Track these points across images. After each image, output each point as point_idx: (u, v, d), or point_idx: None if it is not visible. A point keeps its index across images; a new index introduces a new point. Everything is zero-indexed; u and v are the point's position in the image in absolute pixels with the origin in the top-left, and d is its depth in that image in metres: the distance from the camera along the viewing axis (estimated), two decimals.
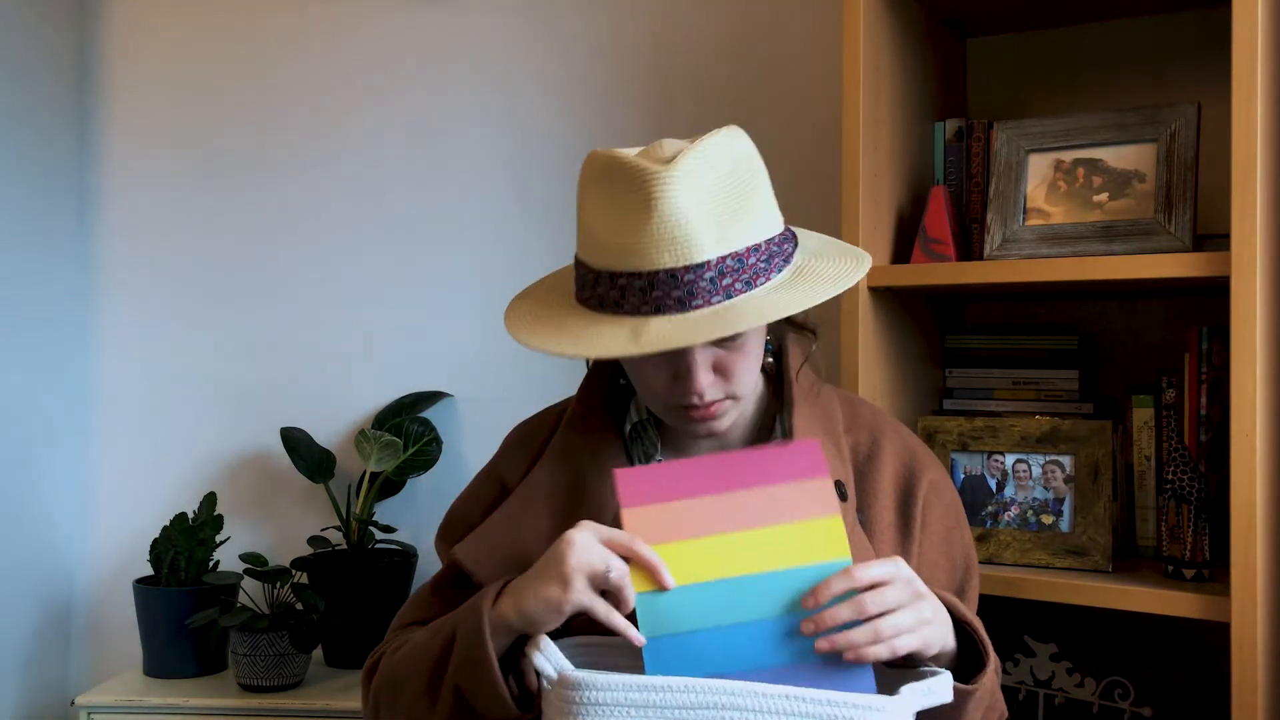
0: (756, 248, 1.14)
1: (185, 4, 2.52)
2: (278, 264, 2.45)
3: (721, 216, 1.11)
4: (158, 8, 2.53)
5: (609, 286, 1.13)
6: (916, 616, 1.07)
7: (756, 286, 1.13)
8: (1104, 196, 1.60)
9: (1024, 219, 1.65)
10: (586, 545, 1.06)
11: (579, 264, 1.19)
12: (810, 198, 2.03)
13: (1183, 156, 1.55)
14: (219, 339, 2.49)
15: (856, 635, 1.04)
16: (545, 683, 1.06)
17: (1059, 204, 1.63)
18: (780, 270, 1.16)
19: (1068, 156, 1.64)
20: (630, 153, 1.15)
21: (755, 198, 1.15)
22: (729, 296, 1.12)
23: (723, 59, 2.16)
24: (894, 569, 1.08)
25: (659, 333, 1.10)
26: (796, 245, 1.22)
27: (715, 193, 1.11)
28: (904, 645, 1.06)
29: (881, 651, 1.04)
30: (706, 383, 1.16)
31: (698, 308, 1.11)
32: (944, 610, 1.13)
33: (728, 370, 1.17)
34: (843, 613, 1.05)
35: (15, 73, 2.37)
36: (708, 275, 1.10)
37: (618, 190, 1.12)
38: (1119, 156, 1.61)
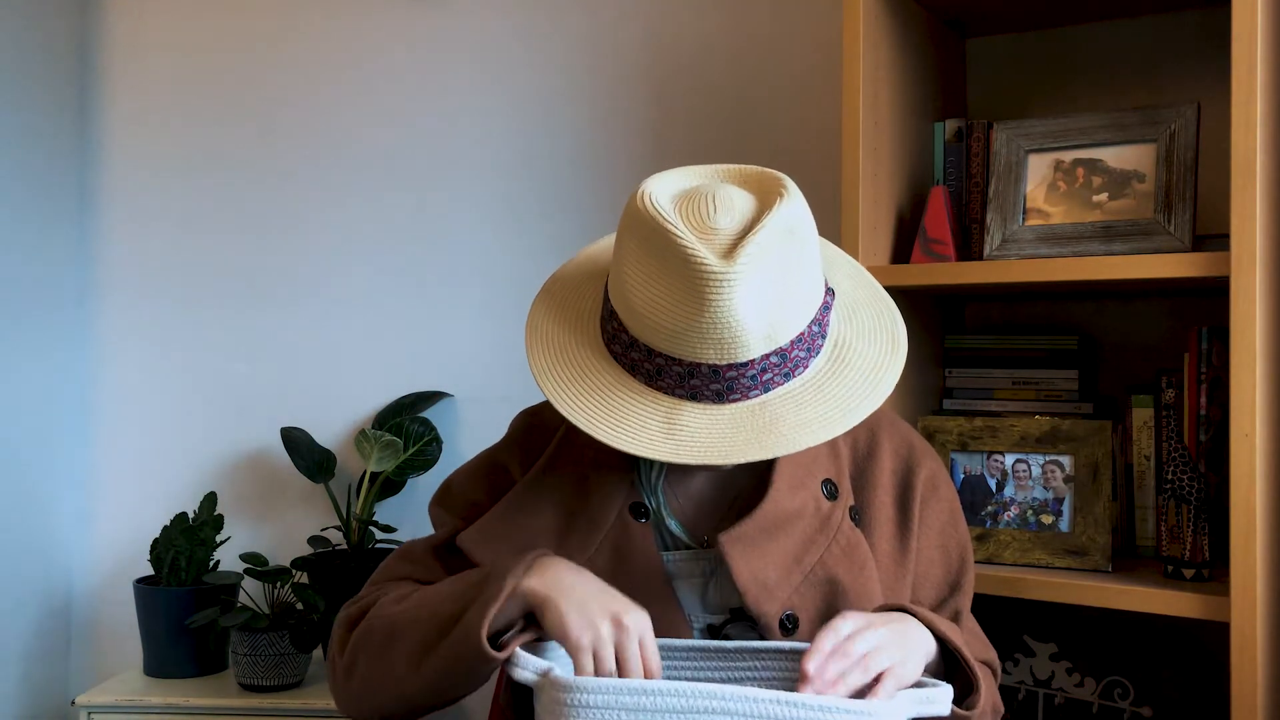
0: (799, 337, 1.11)
1: (186, 4, 2.52)
2: (278, 264, 2.46)
3: (773, 313, 1.08)
4: (158, 8, 2.53)
5: (644, 358, 1.12)
6: (886, 660, 1.06)
7: (795, 377, 1.12)
8: (1104, 196, 1.60)
9: (1024, 219, 1.65)
10: (633, 633, 1.06)
11: (612, 314, 1.15)
12: (811, 198, 2.02)
13: (1182, 156, 1.55)
14: (219, 339, 2.49)
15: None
16: (535, 685, 1.06)
17: (1059, 204, 1.63)
18: (818, 352, 1.14)
19: (1067, 156, 1.64)
20: (680, 223, 1.07)
21: (804, 275, 1.11)
22: (767, 390, 1.11)
23: (723, 59, 2.16)
24: (834, 637, 1.06)
25: (694, 433, 1.09)
26: (834, 301, 1.20)
27: (770, 290, 1.08)
28: (886, 691, 1.05)
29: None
30: None
31: (734, 400, 1.10)
32: (914, 632, 1.12)
33: None
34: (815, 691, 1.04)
35: (15, 72, 2.37)
36: (750, 373, 1.09)
37: (665, 270, 1.07)
38: (1119, 157, 1.61)
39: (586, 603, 1.07)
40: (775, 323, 1.09)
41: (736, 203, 1.10)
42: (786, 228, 1.09)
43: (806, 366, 1.13)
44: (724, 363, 1.08)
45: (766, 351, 1.09)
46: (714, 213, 1.09)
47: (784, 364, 1.11)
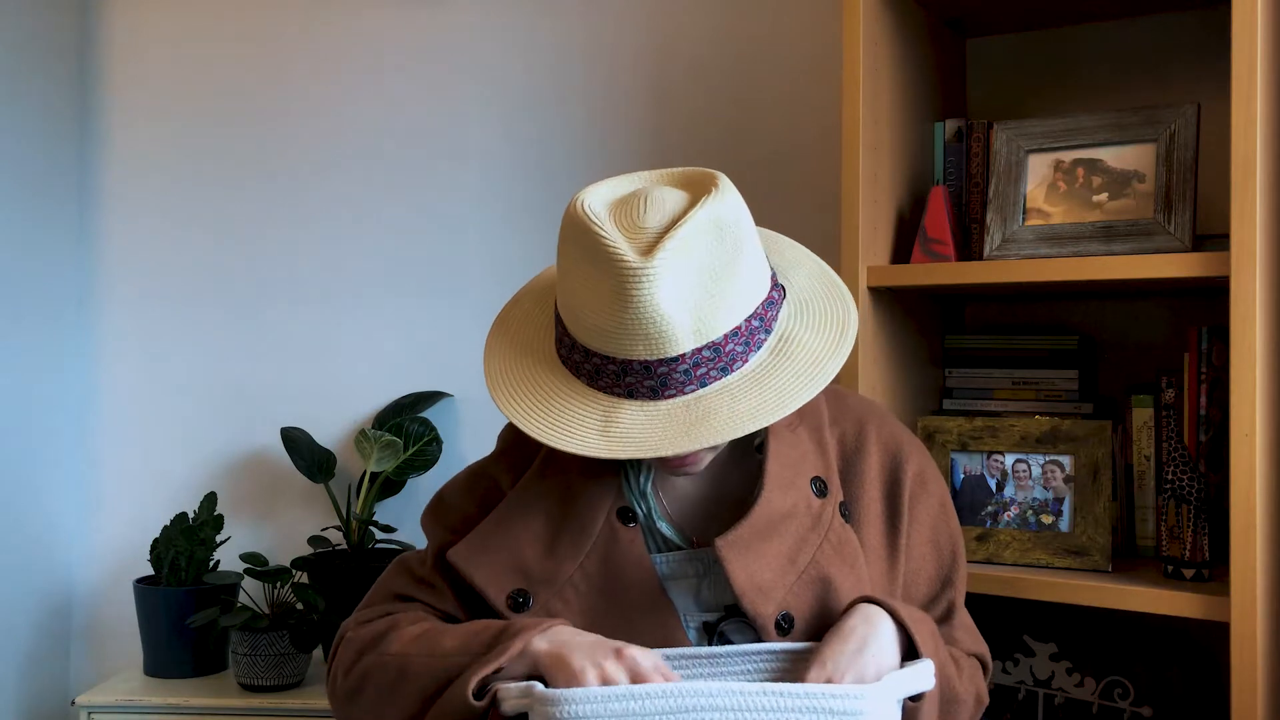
0: (735, 331, 1.12)
1: (186, 5, 2.52)
2: (278, 264, 2.46)
3: (701, 307, 1.09)
4: (158, 7, 2.53)
5: (583, 359, 1.14)
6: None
7: (733, 371, 1.12)
8: (1104, 197, 1.61)
9: (1024, 219, 1.65)
10: (638, 658, 1.10)
11: (558, 318, 1.18)
12: (810, 198, 2.03)
13: (1182, 157, 1.55)
14: (219, 339, 2.49)
15: None
16: (525, 706, 1.07)
17: (1059, 204, 1.63)
18: (760, 346, 1.15)
19: (1067, 157, 1.64)
20: (609, 224, 1.10)
21: (738, 270, 1.12)
22: (703, 384, 1.11)
23: (722, 59, 2.16)
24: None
25: (629, 428, 1.10)
26: (784, 297, 1.20)
27: (695, 283, 1.09)
28: None
29: None
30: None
31: (670, 396, 1.11)
32: (879, 638, 1.14)
33: None
34: None
35: (16, 72, 2.37)
36: (681, 368, 1.10)
37: (594, 270, 1.09)
38: (1119, 156, 1.61)
39: (592, 649, 1.10)
40: (704, 317, 1.09)
41: (668, 202, 1.12)
42: (713, 223, 1.10)
43: (746, 361, 1.13)
44: (654, 358, 1.09)
45: (698, 346, 1.10)
46: (644, 213, 1.11)
47: (718, 358, 1.11)
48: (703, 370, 1.11)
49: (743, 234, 1.13)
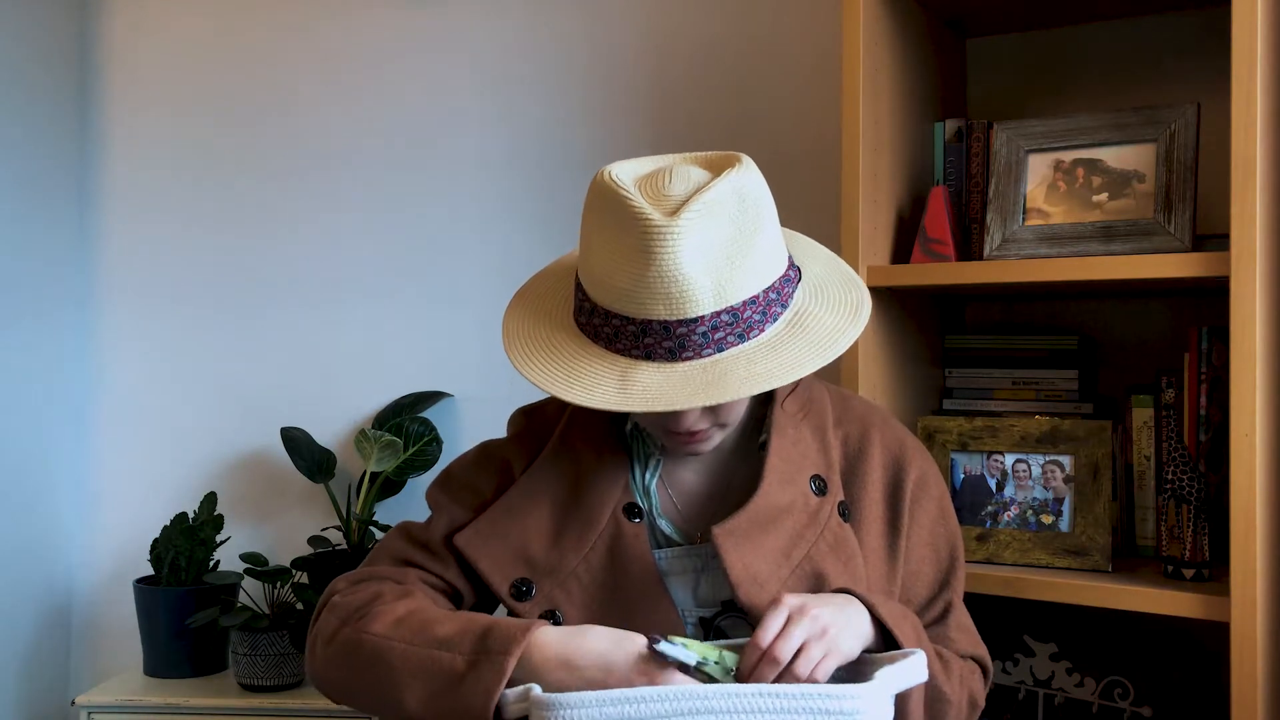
0: (754, 299, 1.13)
1: (186, 5, 2.52)
2: (278, 264, 2.46)
3: (721, 271, 1.11)
4: (158, 8, 2.53)
5: (603, 322, 1.15)
6: (825, 645, 1.09)
7: (749, 339, 1.14)
8: (1104, 197, 1.61)
9: (1024, 219, 1.65)
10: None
11: (579, 285, 1.20)
12: (810, 198, 2.03)
13: (1182, 156, 1.55)
14: (219, 339, 2.49)
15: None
16: (524, 711, 1.06)
17: (1059, 204, 1.63)
18: (776, 319, 1.16)
19: (1067, 157, 1.64)
20: (635, 190, 1.12)
21: (758, 242, 1.14)
22: (720, 350, 1.12)
23: (722, 59, 2.16)
24: (784, 611, 1.09)
25: (646, 386, 1.11)
26: (800, 279, 1.21)
27: (717, 247, 1.10)
28: (825, 671, 1.08)
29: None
30: (692, 420, 1.18)
31: (687, 359, 1.12)
32: (852, 613, 1.14)
33: (716, 410, 1.19)
34: (767, 673, 1.06)
35: (15, 73, 2.37)
36: (700, 330, 1.11)
37: (619, 231, 1.11)
38: (1119, 156, 1.61)
39: (609, 675, 1.08)
40: (724, 281, 1.11)
41: (693, 175, 1.14)
42: (736, 193, 1.12)
43: (762, 330, 1.15)
44: (674, 319, 1.10)
45: (717, 309, 1.11)
46: (669, 183, 1.13)
47: (736, 324, 1.12)
48: (720, 334, 1.12)
49: (764, 209, 1.15)
